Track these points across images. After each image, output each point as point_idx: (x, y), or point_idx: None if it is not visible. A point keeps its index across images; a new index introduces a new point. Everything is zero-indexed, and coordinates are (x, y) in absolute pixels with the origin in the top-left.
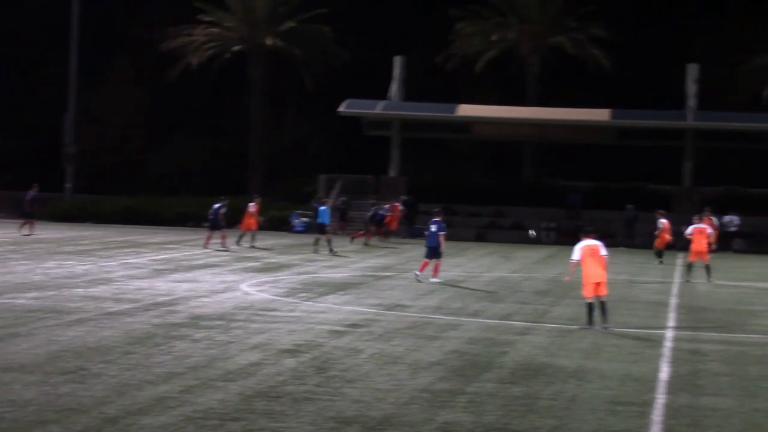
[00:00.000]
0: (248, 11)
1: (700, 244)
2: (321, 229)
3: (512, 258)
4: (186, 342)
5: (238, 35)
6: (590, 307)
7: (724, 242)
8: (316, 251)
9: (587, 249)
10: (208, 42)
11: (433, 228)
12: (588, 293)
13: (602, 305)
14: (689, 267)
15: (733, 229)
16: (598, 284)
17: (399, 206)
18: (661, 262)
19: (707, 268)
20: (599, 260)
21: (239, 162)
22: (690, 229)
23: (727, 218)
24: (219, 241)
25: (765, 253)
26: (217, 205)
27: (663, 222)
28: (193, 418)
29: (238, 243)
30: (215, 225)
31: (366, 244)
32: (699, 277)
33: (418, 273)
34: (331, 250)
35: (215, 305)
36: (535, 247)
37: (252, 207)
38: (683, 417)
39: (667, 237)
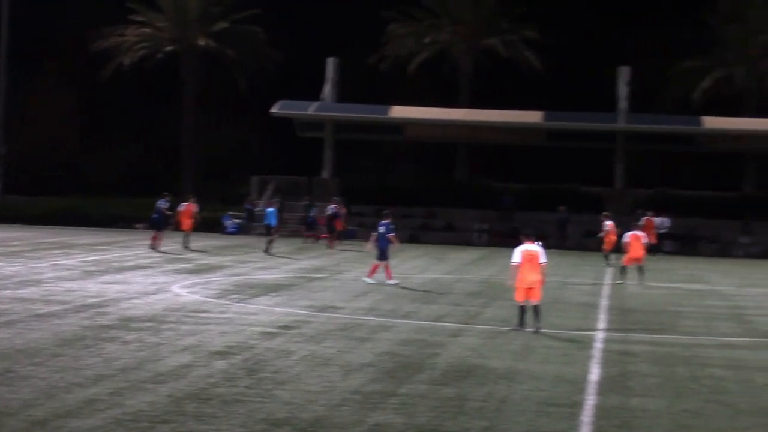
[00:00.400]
0: (180, 11)
1: (636, 251)
2: (268, 230)
3: (445, 259)
4: (116, 344)
5: (170, 35)
6: (521, 309)
7: (655, 244)
8: (267, 252)
9: (526, 254)
10: (140, 42)
11: (382, 230)
12: (519, 297)
13: (535, 308)
14: (623, 270)
15: (663, 230)
16: (529, 290)
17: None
18: (608, 264)
19: (641, 269)
20: (536, 266)
21: (171, 163)
22: (627, 236)
23: (658, 220)
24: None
25: (695, 255)
26: (160, 202)
27: (608, 224)
28: (122, 420)
29: (185, 246)
30: (160, 224)
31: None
32: (631, 279)
33: (367, 279)
34: (266, 251)
35: (146, 307)
36: (468, 248)
37: (183, 207)
38: (613, 418)
39: (614, 238)
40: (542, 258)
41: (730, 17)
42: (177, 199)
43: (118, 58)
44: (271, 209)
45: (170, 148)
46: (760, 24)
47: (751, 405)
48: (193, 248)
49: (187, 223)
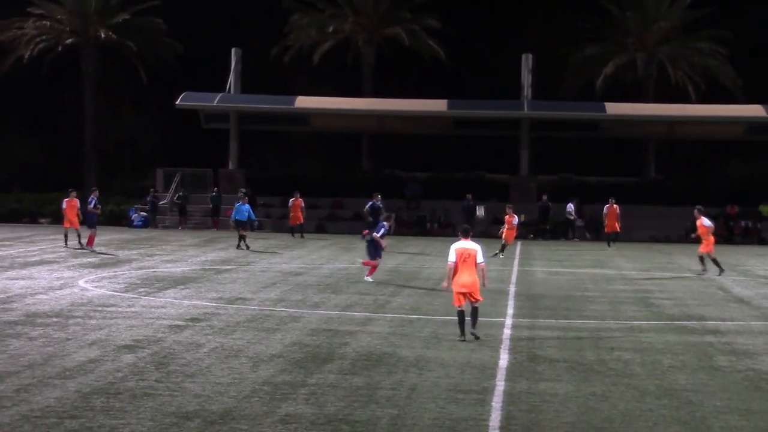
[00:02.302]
0: (79, 4)
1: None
2: (240, 225)
3: (352, 249)
4: (22, 340)
5: (70, 28)
6: (460, 316)
7: (562, 230)
8: (241, 247)
9: (461, 252)
10: (40, 35)
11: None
12: (457, 302)
13: (474, 311)
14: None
15: (571, 217)
16: (465, 294)
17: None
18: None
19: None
20: (472, 266)
21: (74, 157)
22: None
23: (569, 206)
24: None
25: (600, 240)
26: (90, 199)
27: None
28: (30, 417)
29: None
30: (91, 221)
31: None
32: (537, 266)
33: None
34: (239, 246)
35: (52, 302)
36: None
37: (66, 202)
38: (522, 403)
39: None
40: (480, 257)
41: (629, 5)
42: (83, 193)
43: (17, 51)
44: (239, 204)
45: (73, 142)
46: (657, 12)
47: (658, 387)
48: (73, 246)
49: (73, 218)
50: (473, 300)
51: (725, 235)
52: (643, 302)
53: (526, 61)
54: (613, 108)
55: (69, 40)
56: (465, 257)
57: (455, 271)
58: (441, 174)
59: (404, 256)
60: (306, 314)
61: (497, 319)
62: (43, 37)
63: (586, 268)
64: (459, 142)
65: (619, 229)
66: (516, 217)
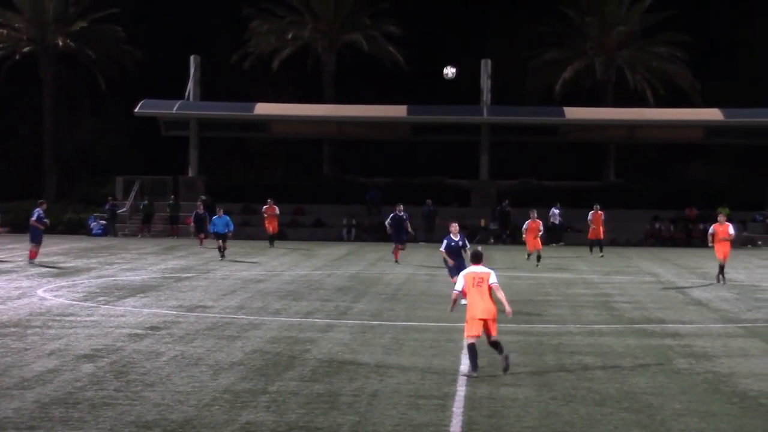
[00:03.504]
0: (37, 12)
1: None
2: (219, 237)
3: (314, 255)
4: None
5: (27, 36)
6: (472, 350)
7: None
8: (224, 256)
9: (471, 278)
10: None
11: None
12: (473, 332)
13: (496, 345)
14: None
15: (557, 221)
16: (485, 321)
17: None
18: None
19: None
20: (486, 292)
21: (33, 165)
22: (526, 225)
23: (554, 211)
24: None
25: (558, 243)
26: (34, 212)
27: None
28: None
29: None
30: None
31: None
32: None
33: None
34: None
35: (10, 312)
36: (337, 244)
37: None
38: (483, 408)
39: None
40: (493, 279)
41: (588, 10)
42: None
43: None
44: (217, 218)
45: (31, 150)
46: (616, 16)
47: (618, 390)
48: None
49: None
50: (490, 334)
51: (684, 238)
52: (603, 306)
53: (486, 66)
54: (573, 112)
55: (27, 48)
56: (477, 282)
57: (468, 300)
58: (401, 179)
59: (365, 261)
60: (267, 321)
61: (458, 325)
62: (1, 45)
63: (547, 272)
64: (419, 147)
65: (602, 236)
66: (541, 222)
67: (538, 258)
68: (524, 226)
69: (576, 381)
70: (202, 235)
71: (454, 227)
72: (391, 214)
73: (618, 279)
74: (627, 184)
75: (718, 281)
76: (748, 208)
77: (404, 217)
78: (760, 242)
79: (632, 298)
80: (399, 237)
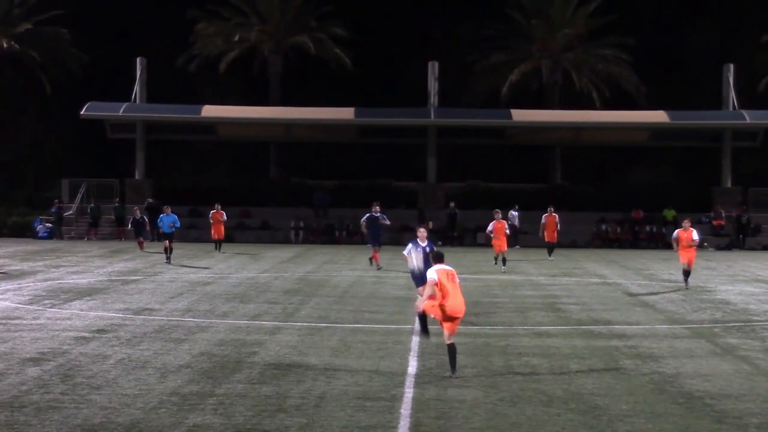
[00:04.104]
0: None
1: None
2: (163, 237)
3: (261, 258)
4: None
5: None
6: (423, 317)
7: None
8: (169, 261)
9: (443, 273)
10: None
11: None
12: (449, 329)
13: (453, 353)
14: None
15: (516, 224)
16: (456, 321)
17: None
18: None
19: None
20: (458, 287)
21: None
22: (491, 226)
23: (512, 213)
24: None
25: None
26: None
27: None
28: None
29: None
30: None
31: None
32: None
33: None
34: (168, 259)
35: None
36: (284, 246)
37: None
38: (430, 410)
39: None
40: (457, 278)
41: (534, 12)
42: None
43: None
44: (164, 215)
45: None
46: (561, 19)
47: (565, 392)
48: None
49: None
50: (452, 333)
51: (631, 240)
52: (550, 308)
53: (432, 68)
54: (519, 115)
55: None
56: (450, 277)
57: (445, 293)
58: (349, 182)
59: (312, 264)
60: (214, 324)
61: (406, 326)
62: None
63: (494, 274)
64: (366, 149)
65: (555, 239)
66: (506, 222)
67: (504, 261)
68: (489, 227)
69: (523, 382)
70: (141, 239)
71: (422, 232)
72: (367, 215)
73: (565, 281)
74: (573, 186)
75: (687, 287)
76: (694, 209)
77: (380, 216)
78: (705, 244)
79: (579, 299)
80: (375, 238)
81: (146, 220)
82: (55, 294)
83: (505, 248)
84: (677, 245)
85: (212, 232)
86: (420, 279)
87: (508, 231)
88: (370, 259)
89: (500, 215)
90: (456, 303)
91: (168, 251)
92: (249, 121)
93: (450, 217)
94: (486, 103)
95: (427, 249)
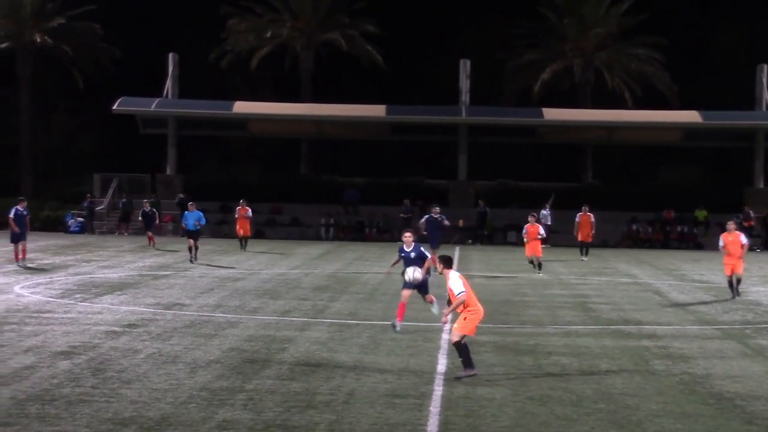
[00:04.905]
0: (15, 8)
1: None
2: (189, 235)
3: (291, 254)
4: None
5: (5, 32)
6: (464, 347)
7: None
8: (192, 259)
9: (466, 282)
10: None
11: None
12: (466, 330)
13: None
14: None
15: (548, 223)
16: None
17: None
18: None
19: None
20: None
21: (8, 162)
22: (525, 229)
23: (544, 212)
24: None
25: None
26: (21, 210)
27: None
28: None
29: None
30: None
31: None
32: (475, 271)
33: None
34: (191, 259)
35: None
36: (315, 243)
37: None
38: (459, 408)
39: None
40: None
41: (566, 11)
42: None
43: None
44: (190, 213)
45: (8, 147)
46: (594, 18)
47: (594, 391)
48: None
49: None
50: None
51: (662, 240)
52: (580, 307)
53: (464, 66)
54: (551, 114)
55: (4, 45)
56: (467, 283)
57: (470, 301)
58: (379, 179)
59: (343, 261)
60: (244, 320)
61: (435, 324)
62: None
63: (525, 272)
64: (397, 147)
65: (590, 239)
66: (540, 226)
67: (539, 265)
68: (523, 230)
69: (553, 381)
70: (150, 233)
71: (408, 237)
72: (425, 216)
73: (595, 280)
74: (604, 185)
75: (734, 295)
76: (724, 210)
77: (439, 219)
78: (758, 249)
79: (609, 299)
80: (434, 240)
81: (155, 212)
82: (87, 288)
83: (540, 253)
84: (724, 250)
85: (237, 227)
86: (408, 284)
87: (542, 234)
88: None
89: (534, 219)
90: (478, 308)
91: (192, 250)
92: (280, 117)
93: (480, 215)
94: (517, 101)
95: (413, 254)
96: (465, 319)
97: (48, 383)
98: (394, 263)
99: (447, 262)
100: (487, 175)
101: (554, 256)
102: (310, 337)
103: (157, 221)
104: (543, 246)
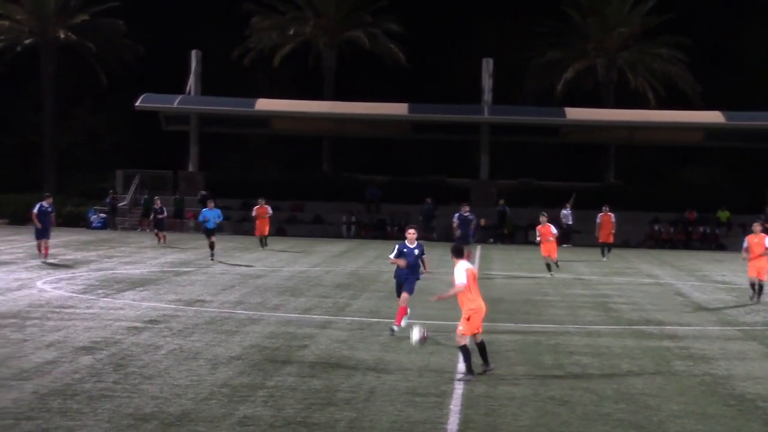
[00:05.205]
0: (39, 4)
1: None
2: (207, 234)
3: (313, 252)
4: None
5: (29, 28)
6: (466, 352)
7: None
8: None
9: (471, 273)
10: None
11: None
12: (469, 332)
13: (482, 345)
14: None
15: (570, 222)
16: (480, 321)
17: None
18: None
19: (556, 263)
20: (477, 287)
21: (31, 157)
22: (537, 231)
23: (564, 212)
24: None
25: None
26: (46, 206)
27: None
28: None
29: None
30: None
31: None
32: (496, 269)
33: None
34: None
35: (9, 303)
36: (336, 241)
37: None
38: (480, 406)
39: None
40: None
41: (589, 10)
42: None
43: None
44: (208, 210)
45: (30, 143)
46: (617, 18)
47: (615, 391)
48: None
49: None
50: (479, 331)
51: (684, 241)
52: (601, 307)
53: (487, 65)
54: (573, 113)
55: (28, 41)
56: (474, 277)
57: (470, 295)
58: (401, 178)
59: (364, 259)
60: (265, 317)
61: (455, 323)
62: (2, 37)
63: (546, 272)
64: (419, 145)
65: (611, 240)
66: (553, 226)
67: (548, 267)
68: (536, 231)
69: (573, 381)
70: (157, 231)
71: (411, 233)
72: (456, 214)
73: (617, 280)
74: (626, 185)
75: (753, 299)
76: (746, 211)
77: (470, 217)
78: None
79: (630, 299)
80: (465, 239)
81: (165, 211)
82: (108, 284)
83: (554, 255)
84: (747, 254)
85: (256, 226)
86: (407, 284)
87: (554, 232)
88: None
89: (546, 218)
90: (478, 305)
91: (212, 248)
92: (302, 115)
93: (500, 214)
94: (540, 100)
95: (416, 252)
96: (468, 319)
97: (70, 378)
98: (395, 262)
99: (457, 252)
100: (508, 174)
101: (575, 256)
102: (331, 334)
103: (165, 217)
104: (564, 246)
